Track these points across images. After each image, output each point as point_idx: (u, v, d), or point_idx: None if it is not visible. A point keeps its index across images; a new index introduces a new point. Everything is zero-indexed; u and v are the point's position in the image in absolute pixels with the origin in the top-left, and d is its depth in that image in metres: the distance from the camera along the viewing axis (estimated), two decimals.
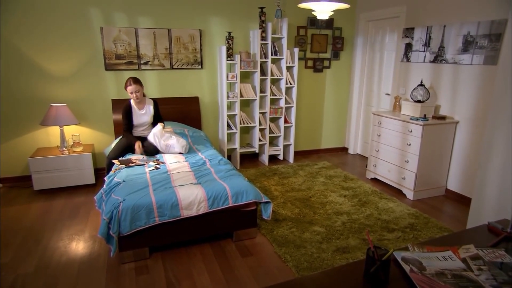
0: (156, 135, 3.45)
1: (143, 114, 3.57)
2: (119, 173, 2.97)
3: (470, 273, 1.03)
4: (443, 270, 1.04)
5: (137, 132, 3.62)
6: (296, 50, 4.55)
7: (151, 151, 3.47)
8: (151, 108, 3.62)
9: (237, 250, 2.67)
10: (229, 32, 4.27)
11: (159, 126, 3.50)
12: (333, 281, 1.03)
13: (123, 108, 3.50)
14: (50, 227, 2.99)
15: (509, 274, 1.03)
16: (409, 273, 1.02)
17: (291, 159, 4.95)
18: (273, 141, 5.05)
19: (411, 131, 3.57)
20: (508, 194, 2.43)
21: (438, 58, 3.73)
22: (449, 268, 1.05)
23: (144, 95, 3.59)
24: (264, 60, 4.44)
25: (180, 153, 3.53)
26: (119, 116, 4.07)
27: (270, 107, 4.65)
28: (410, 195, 3.67)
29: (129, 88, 3.39)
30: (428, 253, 1.14)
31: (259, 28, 4.34)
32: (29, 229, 2.95)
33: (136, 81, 3.42)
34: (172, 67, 4.34)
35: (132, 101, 3.53)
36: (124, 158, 3.36)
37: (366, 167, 4.37)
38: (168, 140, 3.47)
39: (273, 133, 4.81)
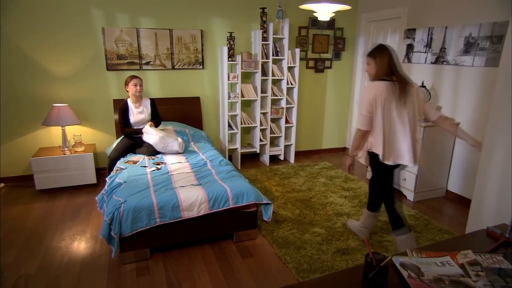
0: (150, 138, 3.48)
1: (140, 113, 3.61)
2: (120, 174, 2.98)
3: (467, 279, 1.04)
4: (441, 276, 1.05)
5: None
6: (298, 50, 4.55)
7: (151, 151, 3.48)
8: (148, 105, 3.67)
9: (237, 251, 2.68)
10: (231, 33, 4.27)
11: (147, 126, 3.52)
12: (331, 287, 1.04)
13: (119, 107, 3.57)
14: (52, 227, 3.01)
15: (506, 280, 1.03)
16: (407, 279, 1.03)
17: (292, 159, 4.95)
18: (274, 141, 5.06)
19: None
20: (508, 198, 2.43)
21: (439, 59, 3.73)
22: (447, 274, 1.06)
23: None
24: (265, 60, 4.45)
25: (179, 152, 3.55)
26: None
27: (271, 108, 4.65)
28: (410, 196, 3.67)
29: (133, 81, 3.50)
30: (427, 258, 1.15)
31: (261, 29, 4.34)
32: (32, 229, 2.98)
33: (137, 75, 3.59)
34: (173, 67, 4.35)
35: (129, 100, 3.59)
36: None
37: (367, 168, 4.37)
38: (166, 139, 3.49)
39: (274, 133, 4.81)
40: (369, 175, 4.30)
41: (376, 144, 2.36)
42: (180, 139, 3.60)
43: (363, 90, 2.35)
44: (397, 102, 2.28)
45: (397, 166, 2.46)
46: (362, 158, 2.52)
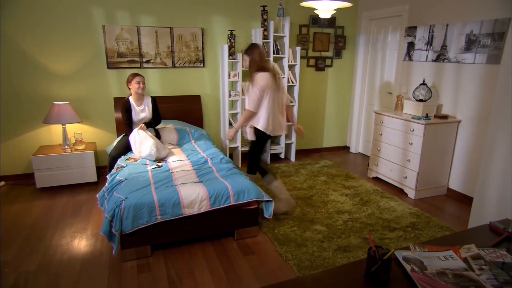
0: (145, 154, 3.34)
1: (141, 111, 3.60)
2: (121, 171, 2.98)
3: (471, 272, 1.03)
4: (444, 269, 1.04)
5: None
6: (298, 48, 4.54)
7: None
8: (150, 103, 3.66)
9: (238, 248, 2.68)
10: (231, 31, 4.27)
11: (136, 130, 3.38)
12: (334, 281, 1.03)
13: (122, 105, 3.52)
14: (52, 225, 3.01)
15: (510, 274, 1.03)
16: (410, 273, 1.02)
17: (292, 157, 4.95)
18: (274, 140, 5.05)
19: (413, 130, 3.56)
20: (510, 194, 2.42)
21: (440, 57, 3.72)
22: (450, 267, 1.06)
23: None
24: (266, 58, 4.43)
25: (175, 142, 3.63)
26: (120, 115, 4.08)
27: None
28: (411, 194, 3.67)
29: (136, 79, 3.47)
30: (429, 252, 1.14)
31: (261, 27, 4.33)
32: (32, 227, 2.97)
33: (139, 73, 3.57)
34: (174, 66, 4.34)
35: (131, 99, 3.56)
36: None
37: (368, 166, 4.37)
38: (142, 146, 3.32)
39: None
40: (370, 173, 4.30)
41: (260, 121, 2.91)
42: (149, 150, 3.28)
43: (255, 78, 2.83)
44: (276, 89, 2.89)
45: (273, 136, 3.08)
46: (248, 134, 3.05)
